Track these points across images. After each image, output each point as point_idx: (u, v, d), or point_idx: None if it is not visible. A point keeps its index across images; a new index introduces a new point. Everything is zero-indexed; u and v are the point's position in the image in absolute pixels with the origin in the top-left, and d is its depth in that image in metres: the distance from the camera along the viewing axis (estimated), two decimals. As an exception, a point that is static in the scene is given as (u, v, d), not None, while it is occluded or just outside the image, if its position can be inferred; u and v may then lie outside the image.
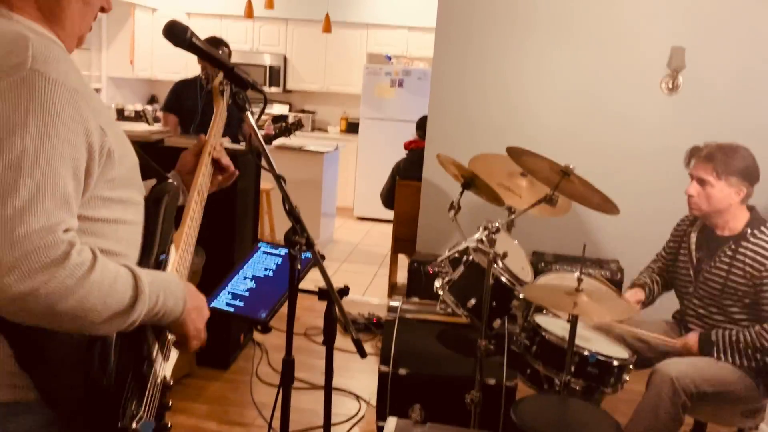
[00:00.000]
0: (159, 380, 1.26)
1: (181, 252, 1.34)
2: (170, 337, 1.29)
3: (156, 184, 1.33)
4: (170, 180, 1.38)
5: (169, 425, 1.30)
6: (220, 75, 1.61)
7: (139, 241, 1.23)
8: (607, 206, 2.57)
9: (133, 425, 1.13)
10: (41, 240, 0.94)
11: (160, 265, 1.26)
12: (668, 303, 2.77)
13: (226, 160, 1.58)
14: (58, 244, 0.96)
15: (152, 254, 1.24)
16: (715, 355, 2.40)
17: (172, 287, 1.17)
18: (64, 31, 1.17)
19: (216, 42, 4.31)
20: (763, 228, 2.40)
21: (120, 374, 1.11)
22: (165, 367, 1.29)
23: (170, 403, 1.29)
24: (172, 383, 1.30)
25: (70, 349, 1.06)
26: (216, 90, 1.61)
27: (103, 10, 1.26)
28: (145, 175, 1.30)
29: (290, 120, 7.96)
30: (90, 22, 1.23)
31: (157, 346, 1.25)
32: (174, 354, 1.33)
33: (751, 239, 2.39)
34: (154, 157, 1.54)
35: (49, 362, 1.06)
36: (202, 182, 1.48)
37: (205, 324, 1.29)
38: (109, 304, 1.01)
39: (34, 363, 1.06)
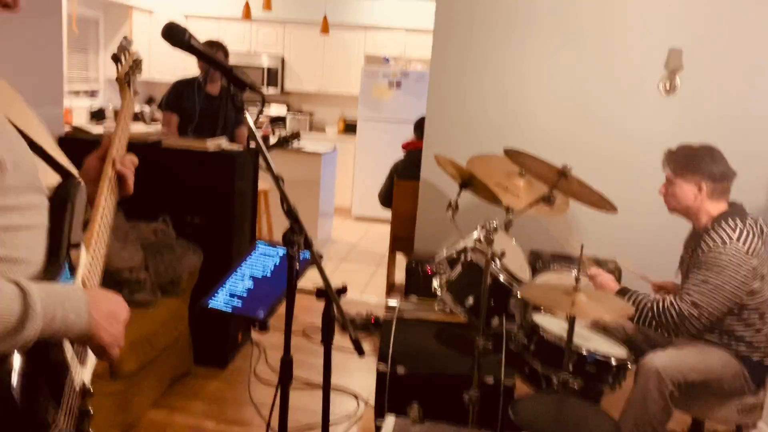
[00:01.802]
0: (77, 387, 1.18)
1: (93, 253, 1.26)
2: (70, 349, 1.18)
3: (61, 183, 1.24)
4: (77, 179, 1.28)
5: None
6: (127, 63, 1.54)
7: (44, 245, 1.15)
8: (604, 205, 2.59)
9: None
10: None
11: (72, 270, 1.19)
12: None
13: (130, 180, 1.42)
14: None
15: (60, 257, 1.17)
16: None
17: (72, 300, 1.08)
18: None
19: (213, 45, 4.31)
20: (730, 220, 2.42)
21: (31, 384, 1.04)
22: (83, 373, 1.21)
23: (91, 410, 1.19)
24: (91, 390, 1.20)
25: None
26: (121, 80, 1.53)
27: (6, 6, 1.11)
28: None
29: (288, 122, 7.98)
30: None
31: (72, 350, 1.17)
32: (92, 359, 1.24)
33: (710, 231, 2.43)
34: (151, 158, 1.53)
35: None
36: (107, 195, 1.35)
37: (124, 327, 1.19)
38: None
39: None
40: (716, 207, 2.49)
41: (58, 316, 1.04)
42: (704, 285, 2.36)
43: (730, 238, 2.35)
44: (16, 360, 1.01)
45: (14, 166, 1.08)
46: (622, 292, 2.51)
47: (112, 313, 1.16)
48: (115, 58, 1.55)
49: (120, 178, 1.39)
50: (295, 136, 5.20)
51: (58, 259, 1.16)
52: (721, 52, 3.71)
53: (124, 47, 1.57)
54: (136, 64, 1.58)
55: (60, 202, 1.20)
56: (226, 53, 4.39)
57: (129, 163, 1.41)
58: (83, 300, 1.10)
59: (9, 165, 1.06)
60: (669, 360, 2.38)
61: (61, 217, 1.19)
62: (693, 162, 2.49)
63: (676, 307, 2.39)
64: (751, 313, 2.42)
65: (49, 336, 1.03)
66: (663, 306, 2.42)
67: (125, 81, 1.53)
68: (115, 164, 1.38)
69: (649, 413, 2.35)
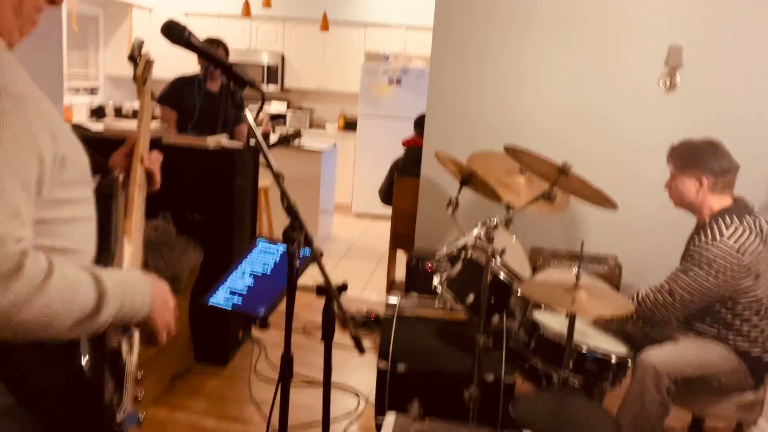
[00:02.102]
0: (130, 374, 1.25)
1: (135, 241, 1.33)
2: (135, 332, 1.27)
3: (103, 178, 1.32)
4: (116, 174, 1.38)
5: (142, 417, 1.29)
6: (142, 64, 1.59)
7: (94, 236, 1.21)
8: (604, 202, 2.59)
9: (119, 417, 1.14)
10: None
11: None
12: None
13: (158, 176, 1.51)
14: (10, 256, 0.93)
15: (110, 248, 1.24)
16: None
17: (137, 285, 1.15)
18: (1, 23, 1.08)
19: (213, 42, 4.30)
20: (727, 217, 2.42)
21: (99, 371, 1.11)
22: (131, 361, 1.28)
23: (140, 395, 1.27)
24: (140, 376, 1.28)
25: (41, 351, 1.04)
26: (139, 80, 1.58)
27: (53, 2, 1.15)
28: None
29: (288, 119, 7.97)
30: (31, 6, 1.11)
31: (125, 338, 1.24)
32: (137, 346, 1.30)
33: (707, 226, 2.45)
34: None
35: (19, 366, 1.04)
36: (138, 190, 1.44)
37: (173, 314, 1.26)
38: (73, 310, 1.00)
39: (3, 369, 1.04)
40: (719, 201, 2.49)
41: (127, 301, 1.10)
42: (684, 275, 2.41)
43: (722, 234, 2.37)
44: (85, 348, 1.09)
45: (72, 160, 1.13)
46: None
47: (165, 301, 1.23)
48: (132, 59, 1.61)
49: (148, 174, 1.48)
50: (297, 134, 5.22)
51: (108, 251, 1.24)
52: (722, 51, 3.70)
53: (137, 47, 1.60)
54: (149, 65, 1.63)
55: (105, 195, 1.28)
56: (226, 51, 4.38)
57: (156, 160, 1.50)
58: (147, 286, 1.17)
59: (69, 159, 1.11)
60: (666, 355, 2.40)
61: (108, 210, 1.27)
62: (694, 157, 2.50)
63: (651, 294, 2.47)
64: (744, 308, 2.43)
65: (119, 320, 1.10)
66: (641, 295, 2.50)
67: (142, 80, 1.58)
68: (143, 161, 1.46)
69: (646, 408, 2.36)
